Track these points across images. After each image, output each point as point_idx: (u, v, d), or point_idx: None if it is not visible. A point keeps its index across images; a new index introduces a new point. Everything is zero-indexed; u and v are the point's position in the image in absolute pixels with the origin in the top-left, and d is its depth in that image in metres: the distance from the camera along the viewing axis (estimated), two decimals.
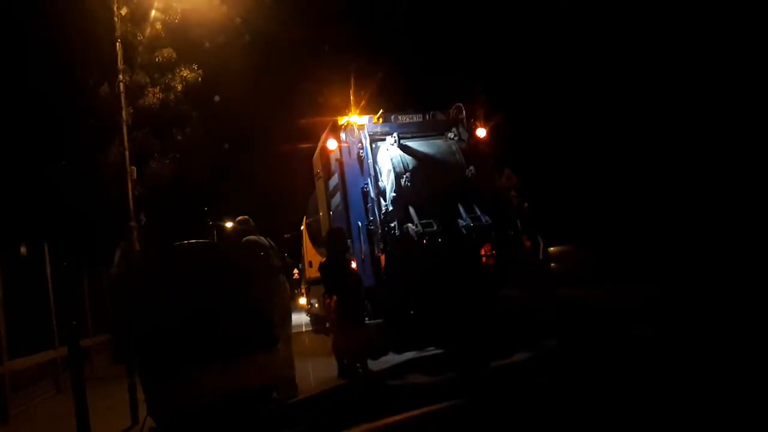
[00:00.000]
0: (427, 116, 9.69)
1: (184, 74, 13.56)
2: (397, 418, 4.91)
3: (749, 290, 8.08)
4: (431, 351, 7.94)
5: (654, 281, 10.91)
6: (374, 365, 7.75)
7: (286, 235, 19.20)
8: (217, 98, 14.06)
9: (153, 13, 12.69)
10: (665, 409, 4.06)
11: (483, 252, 8.78)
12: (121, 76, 11.34)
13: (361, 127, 9.20)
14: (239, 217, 7.39)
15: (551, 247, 13.31)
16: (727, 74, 14.34)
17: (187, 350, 5.39)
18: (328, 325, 8.14)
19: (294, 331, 8.56)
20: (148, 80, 13.35)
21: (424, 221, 8.41)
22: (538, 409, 4.63)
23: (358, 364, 7.40)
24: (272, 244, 7.31)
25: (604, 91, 16.80)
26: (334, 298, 7.45)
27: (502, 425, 4.44)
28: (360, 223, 8.86)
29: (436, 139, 9.35)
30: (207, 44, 13.67)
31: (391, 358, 7.94)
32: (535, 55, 18.13)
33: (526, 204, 9.44)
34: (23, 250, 9.17)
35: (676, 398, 4.22)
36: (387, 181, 8.82)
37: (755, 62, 13.63)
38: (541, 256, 9.46)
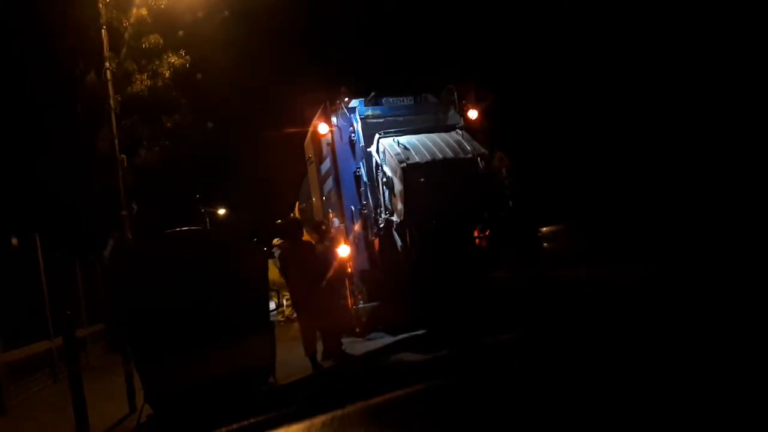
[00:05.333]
0: (419, 99, 9.65)
1: (172, 60, 13.41)
2: (391, 395, 4.97)
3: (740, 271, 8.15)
4: (424, 330, 8.00)
5: (647, 261, 10.98)
6: (369, 345, 7.84)
7: (278, 222, 19.14)
8: (199, 76, 13.89)
9: None
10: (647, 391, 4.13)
11: (476, 233, 8.80)
12: (107, 64, 11.24)
13: (352, 110, 9.15)
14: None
15: (544, 227, 13.39)
16: (710, 52, 14.36)
17: (181, 336, 5.42)
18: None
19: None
20: (135, 67, 13.21)
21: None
22: (526, 387, 4.70)
23: (343, 347, 7.47)
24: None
25: (596, 72, 16.77)
26: (294, 289, 7.48)
27: (492, 401, 4.51)
28: (353, 208, 8.85)
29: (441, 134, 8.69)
30: (194, 29, 13.50)
31: (386, 339, 8.01)
32: (526, 36, 18.04)
33: (514, 185, 9.40)
34: (14, 241, 9.10)
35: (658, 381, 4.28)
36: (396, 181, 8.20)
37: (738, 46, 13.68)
38: (529, 238, 9.49)
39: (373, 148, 8.48)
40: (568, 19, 17.12)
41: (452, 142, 8.22)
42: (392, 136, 8.28)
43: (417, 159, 7.81)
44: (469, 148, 8.10)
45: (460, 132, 8.48)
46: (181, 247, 5.94)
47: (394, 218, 8.12)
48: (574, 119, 17.61)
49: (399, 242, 8.17)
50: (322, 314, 7.30)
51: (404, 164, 7.69)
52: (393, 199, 8.09)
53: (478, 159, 7.96)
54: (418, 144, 8.13)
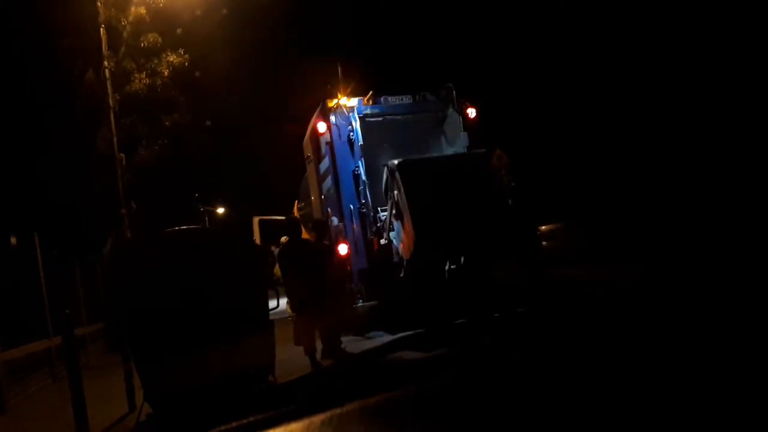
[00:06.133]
0: (417, 97, 9.65)
1: (171, 59, 13.40)
2: (390, 394, 4.97)
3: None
4: (423, 329, 8.00)
5: (646, 260, 10.98)
6: (368, 344, 7.83)
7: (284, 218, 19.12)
8: (198, 74, 13.88)
9: None
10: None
11: None
12: (106, 62, 11.23)
13: (350, 109, 9.15)
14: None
15: (543, 225, 13.37)
16: (710, 51, 14.37)
17: (181, 335, 5.42)
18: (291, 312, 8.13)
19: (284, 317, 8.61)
20: (134, 66, 13.20)
21: None
22: (526, 386, 4.71)
23: (343, 346, 7.47)
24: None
25: (595, 71, 16.76)
26: (293, 288, 7.46)
27: (492, 400, 4.52)
28: (352, 206, 8.85)
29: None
30: (192, 27, 13.48)
31: (386, 338, 8.01)
32: (525, 35, 18.03)
33: (513, 183, 9.38)
34: (13, 240, 9.10)
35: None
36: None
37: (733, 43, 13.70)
38: (528, 236, 9.45)
39: (389, 163, 8.18)
40: (566, 17, 17.11)
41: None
42: (413, 170, 7.76)
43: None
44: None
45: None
46: (181, 246, 5.94)
47: (399, 250, 8.06)
48: (574, 117, 17.60)
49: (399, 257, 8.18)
50: (321, 313, 7.30)
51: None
52: (402, 233, 7.89)
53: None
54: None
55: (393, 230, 8.27)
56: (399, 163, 7.97)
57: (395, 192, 7.97)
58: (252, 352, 5.65)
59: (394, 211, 8.08)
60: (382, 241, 8.43)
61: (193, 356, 5.35)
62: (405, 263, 7.93)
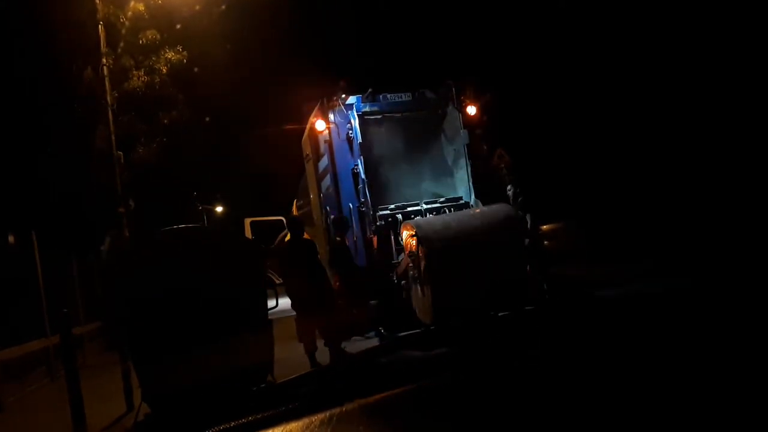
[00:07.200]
0: (417, 94, 9.61)
1: (169, 56, 13.34)
2: (390, 393, 4.94)
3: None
4: (423, 328, 7.97)
5: (646, 259, 10.96)
6: (368, 343, 7.80)
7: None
8: (196, 70, 13.83)
9: None
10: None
11: None
12: (104, 60, 11.18)
13: (349, 106, 9.10)
14: None
15: (544, 225, 13.35)
16: (710, 49, 14.35)
17: (179, 335, 5.38)
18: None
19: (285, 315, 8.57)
20: (132, 63, 13.14)
21: None
22: (526, 386, 4.68)
23: (343, 345, 7.43)
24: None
25: (596, 70, 16.74)
26: (293, 287, 7.40)
27: (492, 400, 4.49)
28: (351, 205, 8.81)
29: None
30: (191, 23, 13.41)
31: (386, 337, 7.98)
32: (527, 33, 18.00)
33: (511, 186, 9.34)
34: (11, 238, 9.06)
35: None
36: None
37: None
38: (529, 235, 9.42)
39: (418, 230, 7.57)
40: (568, 16, 17.09)
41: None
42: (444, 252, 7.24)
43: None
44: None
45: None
46: (179, 245, 5.90)
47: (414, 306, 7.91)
48: (575, 116, 17.58)
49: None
50: (322, 312, 7.26)
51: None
52: (419, 295, 7.65)
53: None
54: None
55: (407, 275, 8.05)
56: (430, 250, 7.31)
57: (420, 257, 7.55)
58: (250, 351, 5.61)
59: (413, 271, 7.83)
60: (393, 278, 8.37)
61: (192, 355, 5.32)
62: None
